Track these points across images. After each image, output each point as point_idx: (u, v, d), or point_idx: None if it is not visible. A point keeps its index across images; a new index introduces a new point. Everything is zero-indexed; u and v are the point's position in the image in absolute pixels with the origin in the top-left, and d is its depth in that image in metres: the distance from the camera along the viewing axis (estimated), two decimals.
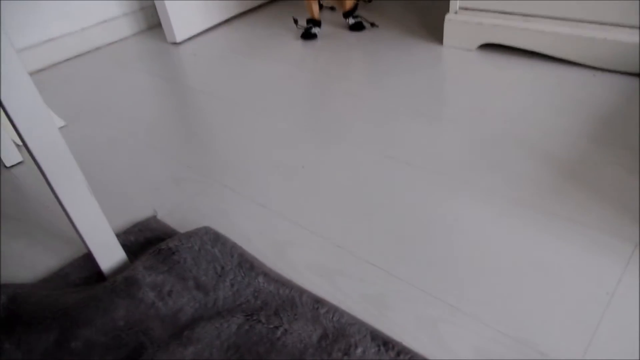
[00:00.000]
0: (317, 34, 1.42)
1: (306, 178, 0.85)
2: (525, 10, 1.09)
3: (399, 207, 0.75)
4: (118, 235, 0.74)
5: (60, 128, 1.14)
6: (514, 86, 1.03)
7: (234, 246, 0.63)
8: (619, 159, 0.78)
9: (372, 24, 1.42)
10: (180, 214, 0.81)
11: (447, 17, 1.21)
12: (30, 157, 0.57)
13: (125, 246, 0.71)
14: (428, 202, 0.76)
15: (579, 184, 0.75)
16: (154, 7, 1.65)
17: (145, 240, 0.73)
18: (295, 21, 1.47)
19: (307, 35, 1.41)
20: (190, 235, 0.63)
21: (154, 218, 0.79)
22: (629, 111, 0.90)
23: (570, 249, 0.64)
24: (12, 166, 1.01)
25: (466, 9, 1.18)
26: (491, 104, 0.98)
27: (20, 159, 1.02)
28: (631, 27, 0.96)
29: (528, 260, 0.63)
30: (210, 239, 0.63)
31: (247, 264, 0.60)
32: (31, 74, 1.48)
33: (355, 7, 1.43)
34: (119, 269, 0.65)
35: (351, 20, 1.42)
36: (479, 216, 0.71)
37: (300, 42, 1.41)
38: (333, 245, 0.70)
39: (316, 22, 1.42)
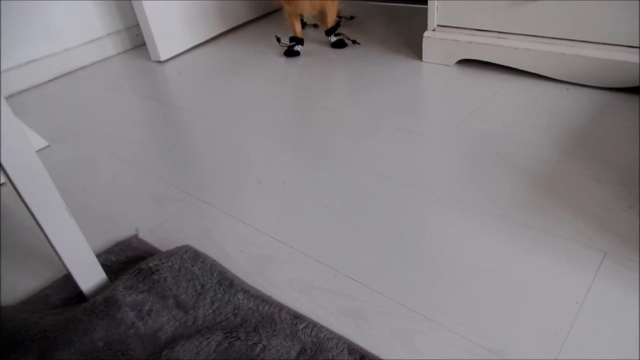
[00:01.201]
0: (300, 51, 1.45)
1: (287, 194, 0.86)
2: (499, 28, 1.12)
3: (377, 221, 0.77)
4: (99, 255, 0.75)
5: (44, 149, 1.14)
6: (491, 101, 1.06)
7: (213, 264, 0.64)
8: (590, 171, 0.81)
9: (354, 41, 1.45)
10: (162, 232, 0.82)
11: (425, 34, 1.25)
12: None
13: (106, 266, 0.72)
14: (406, 216, 0.77)
15: (552, 196, 0.77)
16: (138, 26, 1.67)
17: (127, 259, 0.73)
18: (278, 39, 1.50)
19: (290, 53, 1.44)
20: (170, 254, 0.64)
21: (135, 237, 0.80)
22: (600, 124, 0.93)
23: (542, 259, 0.66)
24: None
25: (443, 26, 1.22)
26: (469, 119, 1.01)
27: (2, 180, 1.02)
28: (600, 43, 1.00)
29: (501, 271, 0.65)
30: (190, 257, 0.64)
31: (227, 282, 0.60)
32: (15, 94, 1.48)
33: (337, 25, 1.46)
34: (100, 290, 0.65)
35: (333, 38, 1.45)
36: (455, 230, 0.73)
37: (283, 60, 1.44)
38: (313, 261, 0.71)
39: (299, 40, 1.45)
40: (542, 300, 0.60)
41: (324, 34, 1.49)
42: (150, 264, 0.61)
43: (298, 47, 1.44)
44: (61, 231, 0.62)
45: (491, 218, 0.74)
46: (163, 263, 0.61)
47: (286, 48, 1.45)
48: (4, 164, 0.56)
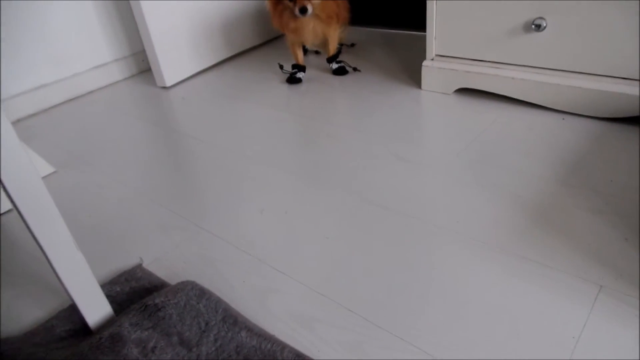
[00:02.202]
0: (302, 78, 1.48)
1: (288, 223, 0.88)
2: (496, 58, 1.15)
3: (377, 253, 0.78)
4: (103, 286, 0.76)
5: (50, 175, 1.17)
6: (488, 130, 1.08)
7: (218, 301, 0.66)
8: (586, 202, 0.82)
9: (355, 69, 1.48)
10: (166, 262, 0.83)
11: (424, 63, 1.28)
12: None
13: (110, 297, 0.73)
14: (405, 247, 0.79)
15: (548, 227, 0.78)
16: (144, 52, 1.71)
17: (131, 290, 0.74)
18: (281, 67, 1.53)
19: (292, 80, 1.47)
20: (176, 290, 0.65)
21: (139, 266, 0.81)
22: (595, 154, 0.95)
23: (539, 293, 0.67)
24: (2, 214, 1.03)
25: (441, 56, 1.25)
26: (467, 147, 1.03)
27: (10, 206, 1.04)
28: (595, 75, 1.03)
29: (499, 305, 0.66)
30: (196, 294, 0.65)
31: (231, 319, 0.62)
32: (22, 119, 1.51)
33: (338, 52, 1.50)
34: (105, 322, 0.66)
35: (334, 65, 1.48)
36: (454, 262, 0.74)
37: (285, 86, 1.47)
38: (313, 292, 0.72)
39: (301, 67, 1.48)
40: (539, 335, 0.61)
41: (325, 60, 1.52)
42: (157, 301, 0.62)
43: (300, 74, 1.48)
44: (68, 263, 0.64)
45: (489, 250, 0.75)
46: (169, 300, 0.63)
47: (288, 75, 1.48)
48: (10, 191, 0.57)
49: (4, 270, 0.87)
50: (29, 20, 1.47)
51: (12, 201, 0.58)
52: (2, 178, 0.56)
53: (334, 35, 1.45)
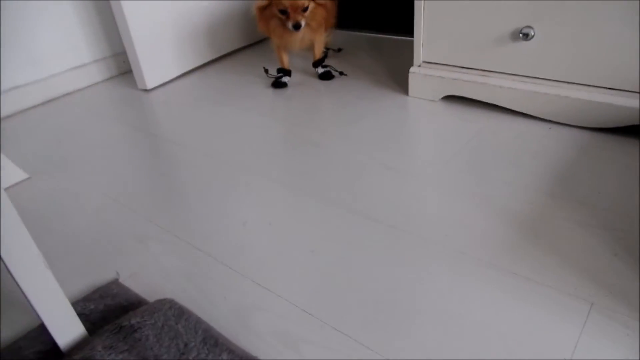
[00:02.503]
0: (287, 83, 1.45)
1: (272, 236, 0.85)
2: (483, 66, 1.14)
3: (363, 267, 0.76)
4: (76, 303, 0.72)
5: (23, 181, 1.11)
6: (476, 139, 1.07)
7: (198, 321, 0.62)
8: (574, 214, 0.81)
9: (341, 73, 1.46)
10: (144, 276, 0.80)
11: (412, 69, 1.26)
12: None
13: (84, 314, 0.69)
14: (393, 261, 0.76)
15: (537, 241, 0.77)
16: (125, 53, 1.66)
17: (106, 308, 0.71)
18: (266, 70, 1.51)
19: (278, 84, 1.44)
20: (153, 310, 0.62)
21: (115, 282, 0.77)
22: (582, 165, 0.94)
23: (530, 310, 0.66)
24: None
25: (429, 62, 1.23)
26: (454, 157, 1.02)
27: None
28: (582, 84, 1.02)
29: (489, 323, 0.64)
30: (174, 314, 0.62)
31: (212, 340, 0.59)
32: None
33: (324, 57, 1.47)
34: (77, 343, 0.63)
35: (320, 70, 1.46)
36: (442, 277, 0.73)
37: (270, 91, 1.44)
38: (298, 310, 0.70)
39: (286, 71, 1.46)
40: (530, 355, 0.60)
41: (311, 65, 1.50)
42: (132, 321, 0.59)
43: (285, 79, 1.45)
44: (36, 282, 0.60)
45: (478, 265, 0.74)
46: (146, 320, 0.59)
47: (274, 79, 1.45)
48: None
49: None
50: (3, 18, 1.41)
51: None
52: None
53: (321, 40, 1.43)
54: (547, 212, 0.83)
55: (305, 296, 0.72)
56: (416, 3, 1.17)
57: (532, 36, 1.03)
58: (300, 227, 0.86)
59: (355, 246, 0.80)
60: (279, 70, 1.46)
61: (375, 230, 0.83)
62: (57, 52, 1.56)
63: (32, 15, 1.47)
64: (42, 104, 1.55)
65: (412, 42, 1.23)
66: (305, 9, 1.26)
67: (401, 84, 1.36)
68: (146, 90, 1.55)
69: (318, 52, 1.45)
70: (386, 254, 0.78)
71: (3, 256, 0.56)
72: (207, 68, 1.68)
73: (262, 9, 1.31)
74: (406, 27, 1.59)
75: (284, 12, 1.26)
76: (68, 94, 1.60)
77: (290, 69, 1.48)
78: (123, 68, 1.72)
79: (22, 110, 1.51)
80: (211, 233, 0.88)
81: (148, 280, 0.79)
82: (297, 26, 1.26)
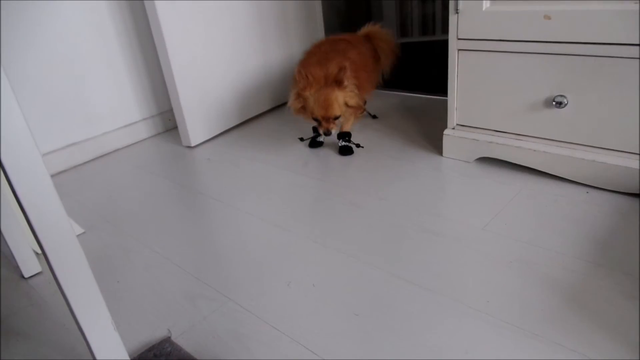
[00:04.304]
0: (323, 142, 1.52)
1: (316, 298, 0.88)
2: (517, 130, 1.18)
3: (407, 332, 0.77)
4: None
5: (79, 235, 1.19)
6: (513, 202, 1.09)
7: None
8: (618, 285, 0.81)
9: (358, 145, 1.46)
10: (195, 335, 0.83)
11: (446, 132, 1.31)
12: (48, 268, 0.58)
13: None
14: (435, 328, 0.78)
15: (581, 312, 0.77)
16: (171, 111, 1.77)
17: None
18: (301, 139, 1.56)
19: (314, 144, 1.51)
20: None
21: (168, 340, 0.81)
22: (622, 232, 0.94)
23: None
24: (31, 277, 1.04)
25: (463, 125, 1.28)
26: (493, 220, 1.04)
27: (39, 269, 1.06)
28: (617, 150, 1.04)
29: None
30: None
31: None
32: (53, 175, 1.56)
33: (349, 133, 1.46)
34: None
35: (341, 143, 1.45)
36: (487, 347, 0.73)
37: (307, 150, 1.51)
38: None
39: None
40: None
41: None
42: None
43: (321, 138, 1.51)
44: (103, 343, 0.64)
45: (522, 335, 0.74)
46: None
47: (310, 139, 1.52)
48: (46, 251, 0.57)
49: (27, 338, 0.87)
50: (66, 80, 1.54)
51: (47, 260, 0.57)
52: (39, 234, 0.55)
53: (352, 121, 1.46)
54: (590, 281, 0.83)
55: None
56: (450, 69, 1.23)
57: (565, 104, 1.07)
58: (343, 289, 0.89)
59: (399, 311, 0.82)
60: (315, 130, 1.52)
61: (419, 295, 0.85)
62: (111, 112, 1.68)
63: (91, 76, 1.60)
64: (94, 159, 1.66)
65: (444, 101, 1.28)
66: (337, 117, 1.34)
67: (435, 145, 1.40)
68: (190, 147, 1.65)
69: (345, 127, 1.47)
70: (429, 320, 0.79)
71: (79, 319, 0.61)
72: (249, 124, 1.78)
73: (298, 95, 1.36)
74: (439, 86, 1.65)
75: (316, 119, 1.35)
76: (117, 150, 1.71)
77: None
78: (168, 125, 1.84)
79: (76, 166, 1.62)
80: (257, 293, 0.91)
81: (198, 338, 0.82)
82: (327, 133, 1.36)
